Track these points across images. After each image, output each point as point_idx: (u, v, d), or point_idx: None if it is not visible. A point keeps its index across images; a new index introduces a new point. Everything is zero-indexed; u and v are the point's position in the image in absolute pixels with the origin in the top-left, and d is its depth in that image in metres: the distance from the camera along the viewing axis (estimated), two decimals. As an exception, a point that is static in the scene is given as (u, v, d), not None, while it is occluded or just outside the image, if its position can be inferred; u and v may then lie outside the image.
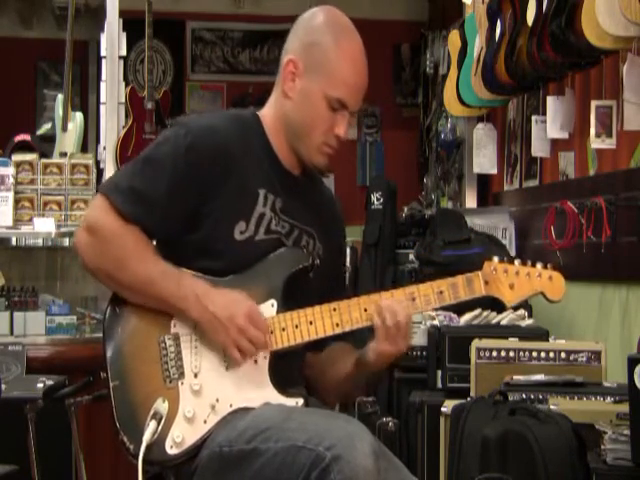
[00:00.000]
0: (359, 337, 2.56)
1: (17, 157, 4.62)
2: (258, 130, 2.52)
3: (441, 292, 2.47)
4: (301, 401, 2.40)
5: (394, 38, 7.39)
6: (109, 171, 4.80)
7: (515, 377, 3.52)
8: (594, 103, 3.86)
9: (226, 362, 2.40)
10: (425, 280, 2.50)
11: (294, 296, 2.45)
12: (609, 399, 3.32)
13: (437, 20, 6.87)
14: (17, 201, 4.55)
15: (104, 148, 4.89)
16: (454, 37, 5.06)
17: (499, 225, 4.99)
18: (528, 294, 2.50)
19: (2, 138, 4.98)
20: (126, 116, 5.44)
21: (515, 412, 3.15)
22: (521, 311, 4.25)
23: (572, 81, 4.25)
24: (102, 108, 4.91)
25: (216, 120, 2.50)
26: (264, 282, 2.43)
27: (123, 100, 4.99)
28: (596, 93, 4.06)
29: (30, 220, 4.56)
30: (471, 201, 5.56)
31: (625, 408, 2.94)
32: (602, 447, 2.90)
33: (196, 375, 2.38)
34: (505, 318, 4.20)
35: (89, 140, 6.38)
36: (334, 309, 2.44)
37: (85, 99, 7.15)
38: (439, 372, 4.04)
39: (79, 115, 4.99)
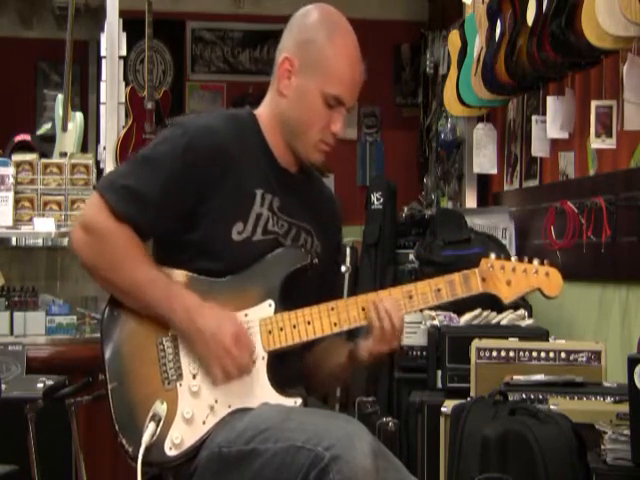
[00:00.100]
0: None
1: (17, 157, 4.62)
2: (254, 129, 2.52)
3: (439, 290, 2.47)
4: (300, 401, 2.40)
5: (394, 38, 7.39)
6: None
7: (515, 377, 3.52)
8: (594, 103, 3.86)
9: None
10: (425, 280, 2.50)
11: (292, 296, 2.45)
12: (609, 399, 3.32)
13: (437, 20, 6.87)
14: (17, 201, 4.55)
15: (104, 148, 4.89)
16: (454, 37, 5.06)
17: (499, 225, 4.99)
18: (525, 290, 2.51)
19: (2, 138, 4.98)
20: (126, 116, 5.45)
21: (515, 412, 3.15)
22: (521, 311, 4.25)
23: (572, 81, 4.25)
24: (102, 108, 4.91)
25: (213, 120, 2.50)
26: (262, 282, 2.43)
27: (123, 100, 4.99)
28: (596, 93, 4.06)
29: (30, 220, 4.56)
30: (471, 201, 5.56)
31: (625, 408, 2.94)
32: (602, 447, 2.90)
33: (194, 376, 2.38)
34: (505, 318, 4.20)
35: (89, 140, 6.38)
36: (332, 308, 2.44)
37: (85, 99, 7.15)
38: (439, 372, 4.05)
39: (79, 115, 4.99)
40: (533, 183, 5.00)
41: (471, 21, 4.84)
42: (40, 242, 4.83)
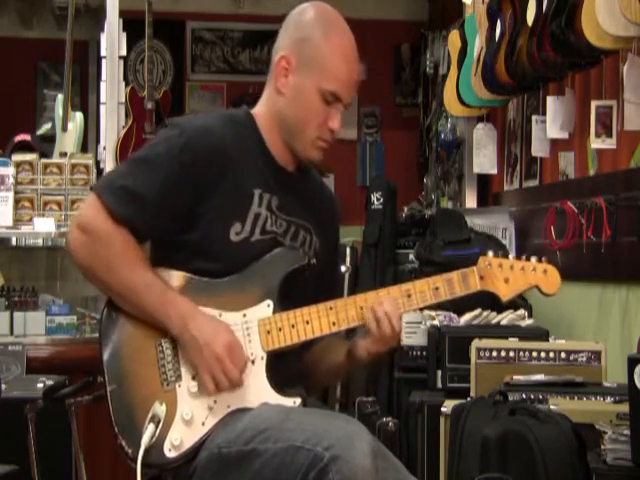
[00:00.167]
0: None
1: (17, 157, 4.62)
2: (252, 128, 2.52)
3: (437, 288, 2.47)
4: (299, 400, 2.40)
5: (394, 38, 7.39)
6: (109, 171, 4.80)
7: (515, 377, 3.52)
8: (594, 103, 3.86)
9: None
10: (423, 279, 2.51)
11: (290, 295, 2.45)
12: (609, 399, 3.32)
13: (437, 20, 6.87)
14: (17, 201, 4.55)
15: (104, 148, 4.89)
16: (454, 37, 5.06)
17: (499, 225, 4.99)
18: (523, 288, 2.51)
19: (2, 138, 4.98)
20: (126, 116, 5.45)
21: (515, 412, 3.15)
22: (521, 311, 4.25)
23: (572, 81, 4.25)
24: (102, 108, 4.91)
25: (210, 120, 2.50)
26: (260, 283, 2.43)
27: (123, 100, 4.99)
28: (596, 93, 4.06)
29: (30, 220, 4.56)
30: (471, 201, 5.56)
31: (625, 408, 2.94)
32: (602, 447, 2.90)
33: (193, 377, 2.37)
34: (505, 318, 4.20)
35: (89, 140, 6.38)
36: (330, 308, 2.44)
37: (85, 99, 7.15)
38: (439, 372, 4.05)
39: (79, 115, 4.99)
40: (533, 183, 5.00)
41: (471, 21, 4.84)
42: (40, 242, 4.83)
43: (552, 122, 4.28)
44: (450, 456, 3.30)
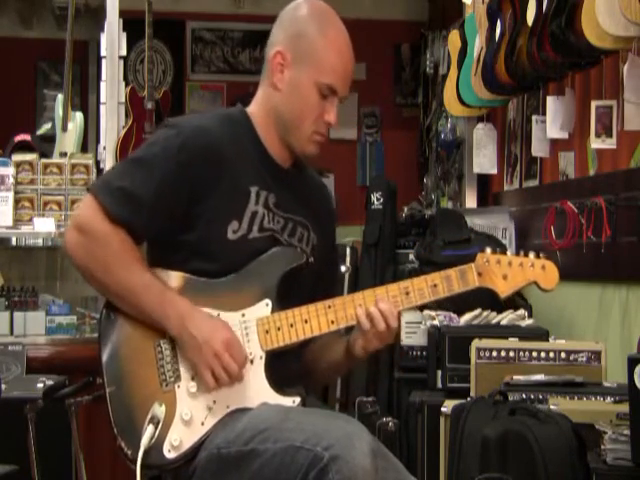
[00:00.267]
0: None
1: (17, 157, 4.62)
2: (247, 127, 2.53)
3: (435, 285, 2.47)
4: (298, 400, 2.40)
5: (394, 38, 7.38)
6: (109, 171, 4.79)
7: (515, 377, 3.52)
8: (594, 103, 3.86)
9: None
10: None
11: (289, 294, 2.45)
12: (609, 399, 3.32)
13: (437, 20, 6.87)
14: (17, 201, 4.55)
15: (104, 148, 4.89)
16: (454, 37, 5.06)
17: (499, 225, 4.99)
18: (521, 284, 2.50)
19: (2, 138, 4.98)
20: (126, 116, 5.44)
21: (515, 412, 3.15)
22: (521, 311, 4.25)
23: (572, 81, 4.25)
24: (102, 108, 4.91)
25: (206, 120, 2.51)
26: (258, 282, 2.43)
27: (123, 100, 4.99)
28: (596, 93, 4.06)
29: (30, 220, 4.56)
30: (471, 201, 5.56)
31: (625, 408, 2.94)
32: (602, 447, 2.91)
33: (192, 377, 2.37)
34: (505, 318, 4.20)
35: (89, 140, 6.38)
36: (329, 306, 2.44)
37: (85, 99, 7.15)
38: (439, 372, 4.05)
39: (79, 115, 4.99)
40: (533, 183, 5.00)
41: (471, 21, 4.84)
42: (40, 242, 4.83)
43: (552, 122, 4.28)
44: (450, 456, 3.30)
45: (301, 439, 2.21)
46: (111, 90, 4.79)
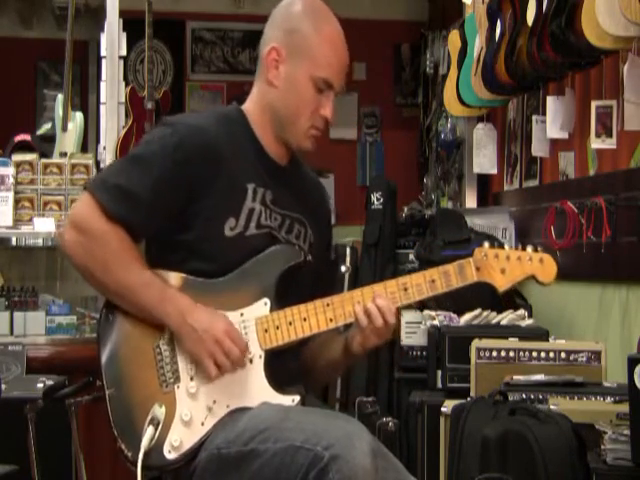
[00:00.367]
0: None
1: (17, 157, 4.62)
2: (243, 124, 2.53)
3: (433, 281, 2.47)
4: (297, 398, 2.40)
5: (394, 38, 7.38)
6: (109, 171, 4.78)
7: (515, 377, 3.52)
8: (594, 103, 3.86)
9: None
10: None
11: (287, 293, 2.45)
12: (609, 399, 3.32)
13: (437, 20, 6.87)
14: (17, 201, 4.55)
15: (104, 148, 4.89)
16: (454, 37, 5.06)
17: (499, 225, 4.99)
18: (519, 278, 2.50)
19: (2, 138, 4.98)
20: (126, 116, 5.45)
21: (515, 412, 3.15)
22: (521, 311, 4.25)
23: (572, 81, 4.25)
24: (102, 108, 4.91)
25: (202, 119, 2.51)
26: (256, 281, 2.44)
27: (123, 100, 4.99)
28: (596, 93, 4.06)
29: (30, 220, 4.56)
30: (471, 201, 5.56)
31: (625, 408, 2.94)
32: (602, 447, 2.90)
33: (192, 378, 2.38)
34: (505, 318, 4.20)
35: (89, 140, 6.37)
36: (327, 304, 2.44)
37: (85, 99, 7.15)
38: (439, 372, 4.05)
39: (79, 115, 4.99)
40: (533, 183, 5.00)
41: (471, 21, 4.84)
42: (40, 242, 4.83)
43: (552, 122, 4.28)
44: (450, 456, 3.30)
45: (301, 439, 2.21)
46: (111, 90, 4.79)
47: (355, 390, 5.26)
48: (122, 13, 4.80)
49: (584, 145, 4.29)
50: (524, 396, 3.39)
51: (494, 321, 4.21)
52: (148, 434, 2.30)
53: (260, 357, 2.40)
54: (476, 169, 5.23)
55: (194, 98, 7.40)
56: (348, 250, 5.72)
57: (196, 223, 2.43)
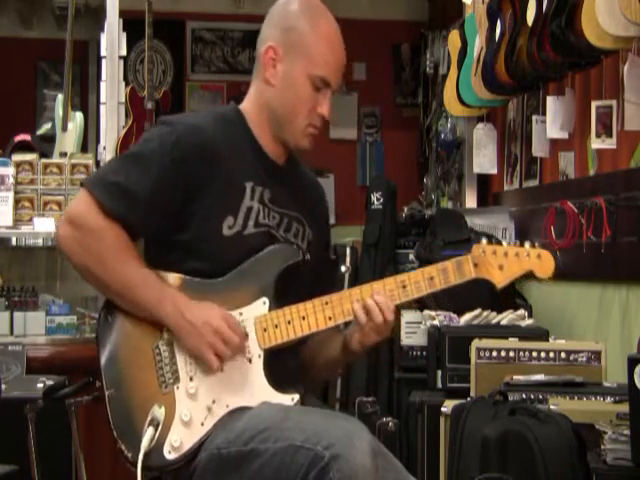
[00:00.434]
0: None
1: (17, 157, 4.62)
2: (241, 124, 2.54)
3: (431, 278, 2.47)
4: (297, 397, 2.40)
5: (394, 38, 7.38)
6: (109, 171, 4.78)
7: (515, 377, 3.52)
8: (594, 103, 3.85)
9: None
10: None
11: (286, 292, 2.45)
12: (609, 399, 3.32)
13: (437, 20, 6.87)
14: (17, 201, 4.55)
15: (104, 148, 4.89)
16: (454, 37, 5.06)
17: (499, 225, 4.99)
18: (518, 274, 2.50)
19: (2, 138, 4.98)
20: (126, 116, 5.44)
21: (515, 412, 3.15)
22: (521, 311, 4.25)
23: (572, 81, 4.25)
24: (102, 108, 4.91)
25: (200, 119, 2.52)
26: (255, 280, 2.44)
27: (123, 100, 4.99)
28: (596, 93, 4.06)
29: (30, 220, 4.56)
30: (471, 201, 5.56)
31: (625, 408, 2.94)
32: (602, 447, 2.90)
33: (191, 378, 2.38)
34: (505, 318, 4.20)
35: (89, 140, 6.37)
36: (326, 303, 2.44)
37: (85, 99, 7.15)
38: (439, 372, 4.05)
39: (79, 115, 4.99)
40: (533, 183, 5.00)
41: (471, 21, 4.84)
42: (40, 242, 4.83)
43: (552, 122, 4.28)
44: (450, 456, 3.30)
45: (301, 438, 2.21)
46: (111, 90, 4.79)
47: (355, 390, 5.26)
48: (122, 13, 4.80)
49: (584, 145, 4.29)
50: (524, 396, 3.39)
51: (494, 321, 4.21)
52: (148, 435, 2.30)
53: (259, 356, 2.40)
54: (476, 169, 5.23)
55: (194, 98, 7.40)
56: (348, 250, 5.72)
57: (194, 223, 2.43)
